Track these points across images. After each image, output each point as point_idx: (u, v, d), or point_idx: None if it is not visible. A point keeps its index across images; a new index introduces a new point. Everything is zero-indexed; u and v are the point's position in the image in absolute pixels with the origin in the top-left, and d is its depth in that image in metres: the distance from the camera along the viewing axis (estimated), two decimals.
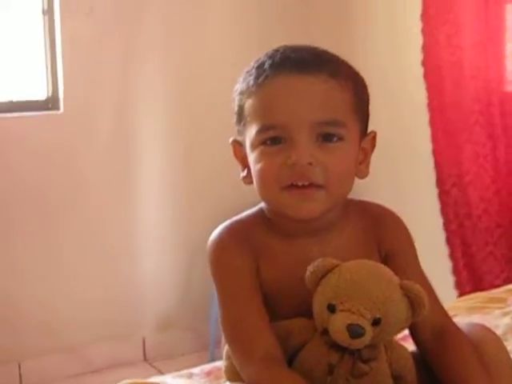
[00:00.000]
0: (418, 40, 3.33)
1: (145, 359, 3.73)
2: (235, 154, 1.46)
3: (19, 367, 3.47)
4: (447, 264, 3.33)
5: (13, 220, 3.43)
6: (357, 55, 1.45)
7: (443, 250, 3.34)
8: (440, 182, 3.30)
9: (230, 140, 1.46)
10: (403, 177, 3.61)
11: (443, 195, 3.30)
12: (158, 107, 3.67)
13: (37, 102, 3.51)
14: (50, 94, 3.51)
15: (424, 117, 3.36)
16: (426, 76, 3.28)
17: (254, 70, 1.38)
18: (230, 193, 3.41)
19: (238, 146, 1.44)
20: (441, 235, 3.35)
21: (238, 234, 1.42)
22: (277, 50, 1.40)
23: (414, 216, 3.23)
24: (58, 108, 3.50)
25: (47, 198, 3.48)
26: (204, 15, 3.72)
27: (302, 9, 3.83)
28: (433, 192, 3.35)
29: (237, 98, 1.41)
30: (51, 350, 3.53)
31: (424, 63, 3.27)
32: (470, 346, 1.39)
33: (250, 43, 3.55)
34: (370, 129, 1.44)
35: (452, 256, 3.32)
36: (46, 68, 3.48)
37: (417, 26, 3.32)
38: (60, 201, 3.51)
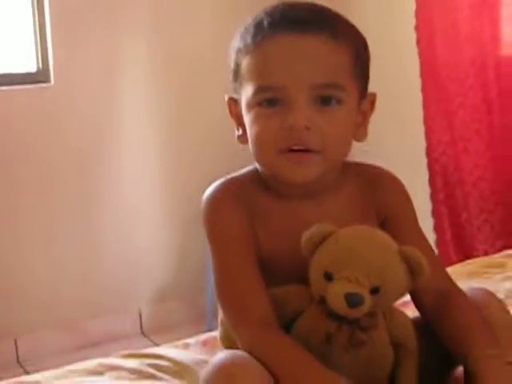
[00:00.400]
0: (411, 5, 3.29)
1: (141, 332, 3.72)
2: (230, 112, 1.42)
3: (15, 342, 3.45)
4: (430, 237, 3.27)
5: (8, 195, 3.40)
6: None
7: (428, 223, 3.26)
8: (430, 150, 3.25)
9: (226, 97, 1.42)
10: (391, 146, 3.56)
11: (432, 163, 3.25)
12: (146, 77, 3.64)
13: (27, 74, 3.46)
14: (40, 67, 3.46)
15: (416, 84, 3.33)
16: (418, 41, 3.23)
17: (251, 28, 1.34)
18: (223, 159, 3.37)
19: (233, 103, 1.40)
20: (426, 208, 3.29)
21: (232, 193, 1.39)
22: (276, 7, 1.35)
23: None
24: (48, 80, 3.46)
25: (43, 170, 3.45)
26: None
27: None
28: (421, 162, 3.31)
29: (233, 56, 1.37)
30: (47, 325, 3.52)
31: (417, 28, 3.21)
32: (474, 309, 1.35)
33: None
34: None
35: (437, 228, 3.26)
36: (35, 40, 3.43)
37: None
38: (57, 173, 3.48)
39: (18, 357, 3.44)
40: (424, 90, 3.26)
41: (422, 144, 3.32)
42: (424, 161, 3.30)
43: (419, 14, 3.19)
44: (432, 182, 3.27)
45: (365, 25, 1.43)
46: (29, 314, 3.46)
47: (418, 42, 3.22)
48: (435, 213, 3.26)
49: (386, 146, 3.51)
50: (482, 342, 1.28)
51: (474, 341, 1.29)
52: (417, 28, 3.21)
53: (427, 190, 3.30)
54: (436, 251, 3.17)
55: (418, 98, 3.34)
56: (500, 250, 2.84)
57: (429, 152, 3.26)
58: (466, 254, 3.13)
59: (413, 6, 3.26)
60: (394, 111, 3.41)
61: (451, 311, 1.35)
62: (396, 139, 3.57)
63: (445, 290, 1.39)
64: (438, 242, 3.25)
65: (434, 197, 3.26)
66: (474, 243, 3.18)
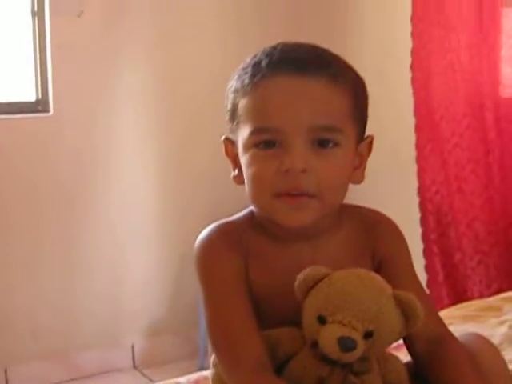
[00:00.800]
0: (407, 43, 3.31)
1: (134, 366, 3.69)
2: (226, 153, 1.40)
3: (5, 372, 3.42)
4: (422, 277, 3.24)
5: (1, 224, 3.38)
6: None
7: (419, 264, 3.23)
8: (422, 190, 3.24)
9: (222, 138, 1.40)
10: (383, 184, 3.55)
11: (425, 203, 3.23)
12: (147, 109, 3.65)
13: (26, 103, 3.47)
14: (39, 96, 3.47)
15: (410, 123, 3.33)
16: (413, 81, 3.21)
17: (250, 68, 1.32)
18: (220, 198, 3.37)
19: (229, 144, 1.39)
20: (418, 248, 3.26)
21: (227, 236, 1.37)
22: (274, 48, 1.33)
23: None
24: (47, 110, 3.46)
25: (36, 201, 3.44)
26: (193, 19, 3.69)
27: (292, 8, 3.81)
28: (413, 201, 3.29)
29: (231, 96, 1.35)
30: (39, 356, 3.49)
31: (412, 67, 3.21)
32: (467, 356, 1.34)
33: (248, 43, 3.51)
34: None
35: (428, 268, 3.24)
36: (36, 70, 3.45)
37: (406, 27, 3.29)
38: (49, 205, 3.47)
39: None
40: (418, 129, 3.24)
41: (415, 183, 3.31)
42: (416, 200, 3.28)
43: (415, 53, 3.18)
44: (424, 221, 3.24)
45: (361, 64, 1.43)
46: (20, 344, 3.44)
47: (413, 81, 3.21)
48: (427, 253, 3.23)
49: (378, 183, 3.50)
50: None
51: None
52: (412, 67, 3.20)
53: (418, 230, 3.28)
54: (427, 292, 3.16)
55: (411, 137, 3.34)
56: (495, 292, 2.82)
57: (421, 191, 3.24)
58: (458, 296, 3.11)
59: (409, 45, 3.26)
60: (387, 150, 3.41)
61: (444, 357, 1.33)
62: (388, 177, 3.57)
63: (438, 335, 1.37)
64: (430, 283, 3.22)
65: (425, 236, 3.24)
66: (468, 285, 3.16)
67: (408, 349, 1.39)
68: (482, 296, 2.89)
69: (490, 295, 2.76)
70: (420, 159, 3.24)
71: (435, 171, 3.20)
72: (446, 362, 1.32)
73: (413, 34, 3.18)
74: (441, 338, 1.37)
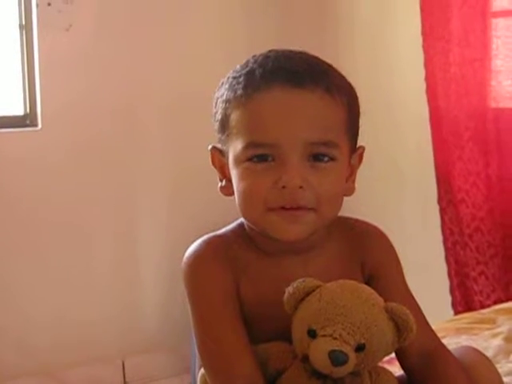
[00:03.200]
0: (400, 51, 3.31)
1: (124, 383, 3.65)
2: (213, 162, 1.37)
3: None
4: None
5: None
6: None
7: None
8: (439, 199, 3.24)
9: (209, 147, 1.37)
10: (385, 197, 3.56)
11: (441, 212, 3.23)
12: (138, 121, 3.62)
13: (14, 117, 3.44)
14: (27, 110, 3.44)
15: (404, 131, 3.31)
16: (427, 91, 3.22)
17: (242, 78, 1.29)
18: (210, 211, 3.35)
19: (217, 154, 1.36)
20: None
21: (216, 249, 1.34)
22: (267, 57, 1.30)
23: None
24: (36, 124, 3.44)
25: (26, 215, 3.41)
26: (183, 31, 3.68)
27: (282, 14, 3.81)
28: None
29: (221, 106, 1.32)
30: (28, 373, 3.44)
31: (426, 79, 3.20)
32: (460, 370, 1.31)
33: (237, 50, 3.50)
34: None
35: (449, 274, 3.24)
36: (24, 83, 3.42)
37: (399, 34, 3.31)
38: (38, 220, 3.43)
39: None
40: (434, 138, 3.23)
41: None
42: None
43: (428, 64, 3.18)
44: (442, 230, 3.24)
45: (353, 72, 1.40)
46: (9, 360, 3.39)
47: (427, 91, 3.21)
48: (446, 260, 3.23)
49: (379, 195, 3.51)
50: None
51: None
52: (426, 78, 3.20)
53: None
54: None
55: (406, 145, 3.34)
56: (495, 302, 2.80)
57: (439, 201, 3.24)
58: (468, 305, 3.13)
59: (402, 52, 3.27)
60: (382, 159, 3.41)
61: (438, 371, 1.31)
62: (384, 186, 3.57)
63: (431, 348, 1.35)
64: (450, 289, 3.22)
65: (444, 244, 3.23)
66: (473, 294, 3.16)
67: (401, 363, 1.37)
68: (483, 306, 2.87)
69: (490, 305, 2.74)
70: (438, 168, 3.23)
71: (446, 182, 3.21)
72: (439, 375, 1.30)
73: (423, 47, 3.19)
74: (434, 351, 1.34)
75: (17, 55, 3.40)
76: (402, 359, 1.36)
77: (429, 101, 3.21)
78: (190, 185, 3.73)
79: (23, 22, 3.39)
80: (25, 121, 3.44)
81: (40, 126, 3.43)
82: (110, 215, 3.60)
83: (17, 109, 3.44)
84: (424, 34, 3.19)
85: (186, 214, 3.70)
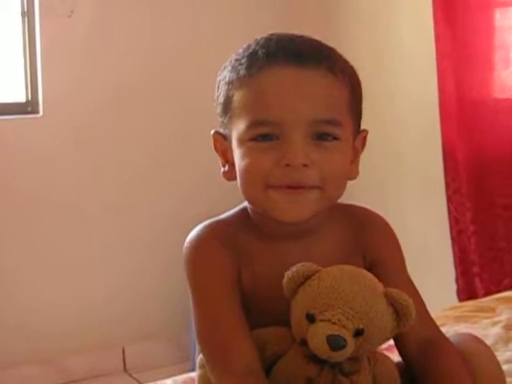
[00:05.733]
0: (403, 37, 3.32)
1: (125, 370, 3.66)
2: (215, 147, 1.36)
3: None
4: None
5: None
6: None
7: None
8: (446, 187, 3.23)
9: (212, 132, 1.36)
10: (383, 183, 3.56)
11: (448, 200, 3.21)
12: (140, 107, 3.62)
13: (16, 104, 3.44)
14: (29, 97, 3.44)
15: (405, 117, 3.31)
16: (438, 76, 3.18)
17: (245, 59, 1.28)
18: (208, 196, 3.36)
19: (219, 138, 1.35)
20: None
21: (217, 234, 1.33)
22: (269, 39, 1.30)
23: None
24: (37, 111, 3.44)
25: (26, 203, 3.41)
26: (184, 17, 3.68)
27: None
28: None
29: (223, 88, 1.31)
30: (29, 360, 3.45)
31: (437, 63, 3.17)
32: (459, 358, 1.31)
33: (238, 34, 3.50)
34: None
35: (454, 263, 3.23)
36: (25, 70, 3.43)
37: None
38: (38, 207, 3.43)
39: None
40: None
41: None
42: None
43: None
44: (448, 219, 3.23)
45: (356, 58, 1.40)
46: (9, 347, 3.40)
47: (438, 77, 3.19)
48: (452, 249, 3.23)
49: (380, 182, 3.51)
50: None
51: None
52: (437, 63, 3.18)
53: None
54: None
55: (406, 131, 3.35)
56: (500, 292, 2.79)
57: (446, 189, 3.23)
58: (472, 293, 3.11)
59: (405, 39, 3.24)
60: (384, 145, 3.41)
61: (436, 359, 1.30)
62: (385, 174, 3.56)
63: (430, 336, 1.34)
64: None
65: (451, 233, 3.22)
66: (476, 283, 3.14)
67: (399, 351, 1.36)
68: (487, 295, 2.85)
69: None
70: (446, 153, 3.22)
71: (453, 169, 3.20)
72: (438, 364, 1.30)
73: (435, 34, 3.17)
74: (432, 339, 1.34)
75: (19, 42, 3.41)
76: (400, 347, 1.35)
77: (439, 87, 3.19)
78: (187, 170, 3.74)
79: (25, 9, 3.40)
80: (26, 108, 3.45)
81: (41, 112, 3.43)
82: (109, 202, 3.60)
83: (18, 96, 3.44)
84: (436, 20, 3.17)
85: (184, 200, 3.70)
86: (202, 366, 1.34)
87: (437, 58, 3.15)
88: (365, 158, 1.39)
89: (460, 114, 3.13)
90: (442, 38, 3.13)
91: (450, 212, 3.21)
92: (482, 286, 3.10)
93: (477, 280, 3.12)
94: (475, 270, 3.13)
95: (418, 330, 1.31)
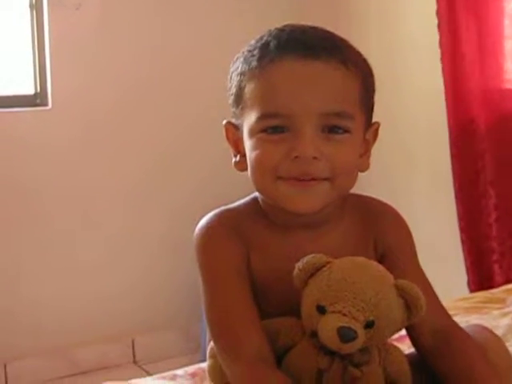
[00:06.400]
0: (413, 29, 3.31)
1: (134, 361, 3.66)
2: (227, 138, 1.37)
3: (5, 368, 3.40)
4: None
5: (3, 219, 3.36)
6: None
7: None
8: (454, 178, 3.21)
9: (224, 122, 1.37)
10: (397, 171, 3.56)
11: (456, 191, 3.20)
12: (147, 101, 3.61)
13: (25, 97, 3.45)
14: (38, 90, 3.44)
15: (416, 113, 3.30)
16: (443, 69, 3.18)
17: (257, 50, 1.28)
18: (217, 190, 3.36)
19: (231, 128, 1.35)
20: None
21: (228, 223, 1.34)
22: (282, 30, 1.30)
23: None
24: (46, 104, 3.44)
25: (35, 195, 3.41)
26: (193, 10, 3.68)
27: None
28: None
29: (236, 79, 1.31)
30: (38, 352, 3.46)
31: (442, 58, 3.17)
32: (476, 347, 1.31)
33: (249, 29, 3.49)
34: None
35: (463, 254, 3.22)
36: (34, 63, 3.42)
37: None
38: (46, 199, 3.44)
39: (6, 383, 3.39)
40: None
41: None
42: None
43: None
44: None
45: (366, 51, 1.39)
46: (19, 340, 3.41)
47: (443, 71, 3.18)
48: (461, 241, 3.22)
49: (389, 174, 3.51)
50: (486, 380, 1.25)
51: (478, 379, 1.25)
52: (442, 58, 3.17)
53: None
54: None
55: (416, 124, 3.35)
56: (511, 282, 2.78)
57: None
58: (484, 283, 3.10)
59: (415, 32, 3.24)
60: (393, 138, 3.41)
61: (452, 349, 1.30)
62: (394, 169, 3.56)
63: (443, 326, 1.34)
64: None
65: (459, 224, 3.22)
66: (487, 274, 3.14)
67: (412, 342, 1.36)
68: (499, 286, 2.84)
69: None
70: (453, 147, 3.20)
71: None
72: (454, 353, 1.30)
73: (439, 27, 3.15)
74: (447, 328, 1.34)
75: (27, 35, 3.40)
76: (413, 338, 1.35)
77: (444, 80, 3.18)
78: (197, 164, 3.74)
79: (34, 2, 3.40)
80: (35, 100, 3.45)
81: (50, 105, 3.43)
82: (119, 194, 3.60)
83: (27, 88, 3.44)
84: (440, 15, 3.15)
85: (195, 193, 3.70)
86: (212, 356, 1.34)
87: (440, 48, 3.15)
88: (374, 150, 1.39)
89: (469, 105, 3.12)
90: (446, 30, 3.14)
91: (458, 202, 3.20)
92: (502, 273, 3.09)
93: (496, 266, 3.11)
94: (495, 257, 3.11)
95: (432, 320, 1.31)
